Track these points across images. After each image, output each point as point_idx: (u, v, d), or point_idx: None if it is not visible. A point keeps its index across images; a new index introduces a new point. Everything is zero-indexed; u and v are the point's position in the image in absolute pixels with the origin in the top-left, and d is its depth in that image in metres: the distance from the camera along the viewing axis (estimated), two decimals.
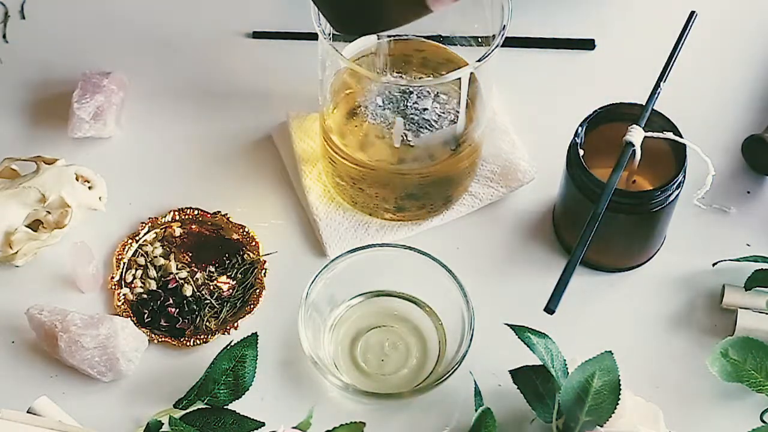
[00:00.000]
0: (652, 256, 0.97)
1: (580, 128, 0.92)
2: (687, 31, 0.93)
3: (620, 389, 0.82)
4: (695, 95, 1.06)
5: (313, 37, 1.06)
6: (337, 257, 0.91)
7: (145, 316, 0.93)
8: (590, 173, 0.90)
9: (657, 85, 0.92)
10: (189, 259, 0.97)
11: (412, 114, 0.94)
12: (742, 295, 0.93)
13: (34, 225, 0.96)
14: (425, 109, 0.94)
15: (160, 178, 1.01)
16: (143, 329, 0.92)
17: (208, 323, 0.93)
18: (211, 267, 0.96)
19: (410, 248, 0.91)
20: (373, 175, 0.95)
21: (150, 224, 0.98)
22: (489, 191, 1.00)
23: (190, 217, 0.99)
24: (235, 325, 0.93)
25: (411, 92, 0.94)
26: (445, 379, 0.87)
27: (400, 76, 0.97)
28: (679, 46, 0.93)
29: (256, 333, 0.89)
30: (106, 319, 0.90)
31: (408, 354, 0.92)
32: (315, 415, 0.84)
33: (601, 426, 0.82)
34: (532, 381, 0.86)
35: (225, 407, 0.88)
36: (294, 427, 0.83)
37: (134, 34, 1.10)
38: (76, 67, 1.05)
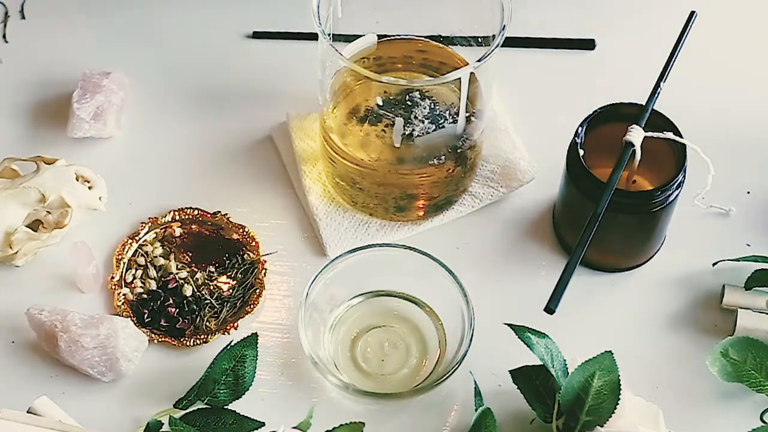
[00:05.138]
0: (652, 256, 0.97)
1: (580, 128, 0.92)
2: (687, 31, 0.93)
3: (620, 389, 0.82)
4: (695, 95, 1.06)
5: (313, 37, 1.06)
6: (337, 257, 0.91)
7: (145, 316, 0.93)
8: (590, 173, 0.90)
9: (657, 85, 0.92)
10: (189, 259, 0.97)
11: (412, 114, 0.94)
12: (742, 295, 0.93)
13: (34, 225, 0.96)
14: (425, 109, 0.94)
15: (160, 178, 1.01)
16: (143, 329, 0.92)
17: (208, 323, 0.93)
18: (211, 267, 0.96)
19: (410, 248, 0.91)
20: (373, 175, 0.95)
21: (150, 224, 0.98)
22: (489, 191, 1.00)
23: (190, 217, 0.99)
24: (235, 325, 0.93)
25: (411, 92, 0.94)
26: (445, 379, 0.87)
27: (401, 76, 0.97)
28: (679, 46, 0.93)
29: (256, 333, 0.89)
30: (106, 319, 0.90)
31: (408, 354, 0.92)
32: (315, 415, 0.84)
33: (601, 426, 0.82)
34: (532, 381, 0.86)
35: (225, 407, 0.88)
36: (294, 427, 0.83)
37: (134, 34, 1.10)
38: (76, 67, 1.05)
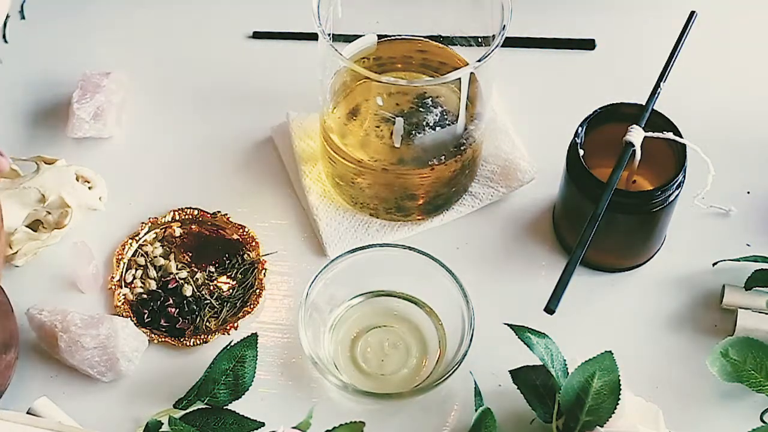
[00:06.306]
0: (652, 256, 0.97)
1: (580, 128, 0.92)
2: (687, 31, 0.93)
3: (620, 389, 0.82)
4: (695, 95, 1.06)
5: (313, 37, 1.06)
6: (337, 257, 0.91)
7: (145, 316, 0.93)
8: (590, 173, 0.90)
9: (657, 85, 0.92)
10: (189, 259, 0.97)
11: (412, 114, 0.94)
12: (742, 295, 0.93)
13: (34, 225, 0.96)
14: (425, 109, 0.94)
15: (160, 178, 1.01)
16: (143, 329, 0.92)
17: (208, 323, 0.93)
18: (211, 267, 0.96)
19: (410, 248, 0.91)
20: (373, 175, 0.95)
21: (150, 224, 0.98)
22: (489, 191, 1.00)
23: (190, 217, 0.99)
24: (235, 325, 0.93)
25: (411, 92, 0.94)
26: (445, 379, 0.87)
27: (401, 76, 0.97)
28: (679, 46, 0.93)
29: (256, 333, 0.89)
30: (106, 319, 0.90)
31: (408, 354, 0.92)
32: (315, 415, 0.84)
33: (601, 426, 0.82)
34: (532, 381, 0.86)
35: (225, 407, 0.88)
36: (294, 427, 0.83)
37: (134, 34, 1.10)
38: (76, 67, 1.05)
